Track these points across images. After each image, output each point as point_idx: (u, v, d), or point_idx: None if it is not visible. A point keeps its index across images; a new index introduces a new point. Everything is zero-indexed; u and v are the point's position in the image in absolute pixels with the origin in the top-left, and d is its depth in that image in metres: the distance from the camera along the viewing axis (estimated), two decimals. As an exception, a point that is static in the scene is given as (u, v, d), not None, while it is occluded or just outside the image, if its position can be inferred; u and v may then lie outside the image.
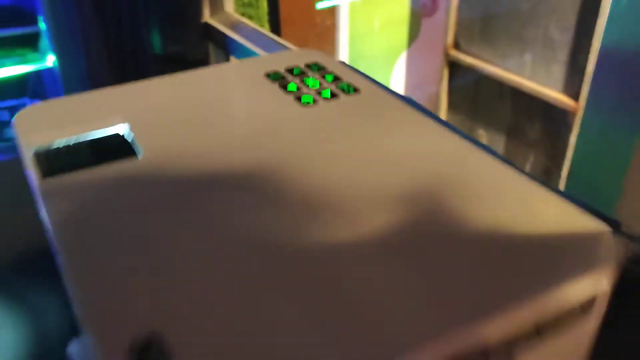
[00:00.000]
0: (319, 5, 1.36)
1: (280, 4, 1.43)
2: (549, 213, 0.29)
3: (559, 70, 1.47)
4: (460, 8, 1.57)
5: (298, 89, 0.40)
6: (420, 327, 0.23)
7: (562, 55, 1.46)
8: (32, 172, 0.32)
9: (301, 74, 0.42)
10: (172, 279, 0.25)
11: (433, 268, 0.26)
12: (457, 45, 1.58)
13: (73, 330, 0.37)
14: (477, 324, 0.23)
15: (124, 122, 0.36)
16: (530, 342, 0.26)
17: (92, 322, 0.23)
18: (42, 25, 1.10)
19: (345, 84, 0.41)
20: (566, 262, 0.26)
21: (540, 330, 0.26)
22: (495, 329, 0.24)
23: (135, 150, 0.34)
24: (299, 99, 0.39)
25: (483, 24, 1.56)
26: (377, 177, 0.31)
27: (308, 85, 0.40)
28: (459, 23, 1.60)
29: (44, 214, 0.30)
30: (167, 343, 0.22)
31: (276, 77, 0.42)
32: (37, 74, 1.22)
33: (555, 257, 0.27)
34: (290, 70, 0.43)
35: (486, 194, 0.30)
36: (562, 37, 1.44)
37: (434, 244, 0.27)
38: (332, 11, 1.40)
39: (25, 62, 1.13)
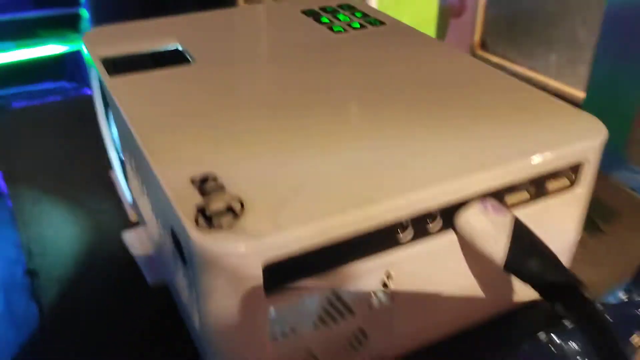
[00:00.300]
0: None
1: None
2: (551, 107, 0.34)
3: (584, 71, 1.50)
4: (487, 8, 1.61)
5: (330, 21, 0.45)
6: (445, 170, 0.28)
7: (588, 55, 1.49)
8: (101, 74, 0.38)
9: (333, 11, 0.47)
10: (222, 135, 0.31)
11: (454, 130, 0.31)
12: (483, 45, 1.62)
13: (125, 225, 0.42)
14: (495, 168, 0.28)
15: (177, 41, 0.42)
16: (529, 198, 0.30)
17: (160, 170, 0.28)
18: (82, 7, 1.15)
19: (373, 19, 0.46)
20: (561, 134, 0.31)
21: (538, 185, 0.30)
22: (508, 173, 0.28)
23: (189, 58, 0.39)
24: (331, 28, 0.44)
25: (510, 23, 1.60)
26: (394, 80, 0.36)
27: (339, 19, 0.46)
28: (486, 23, 1.64)
29: (112, 102, 0.35)
30: (220, 178, 0.27)
31: (311, 13, 0.47)
32: (75, 58, 1.27)
33: (553, 130, 0.31)
34: (323, 8, 0.48)
35: (498, 94, 0.35)
36: (588, 38, 1.47)
37: (456, 115, 0.32)
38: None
39: (65, 42, 1.19)
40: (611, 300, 0.36)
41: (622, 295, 0.37)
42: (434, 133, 0.31)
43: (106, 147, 0.45)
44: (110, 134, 0.43)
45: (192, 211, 0.25)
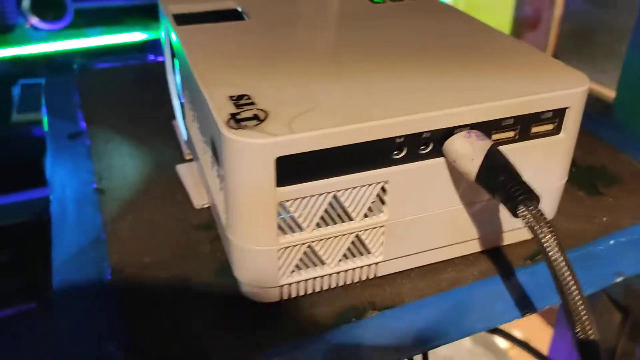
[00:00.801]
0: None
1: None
2: (544, 62, 0.39)
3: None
4: (562, 21, 1.63)
5: (371, -5, 0.51)
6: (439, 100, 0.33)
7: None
8: (171, 24, 0.45)
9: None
10: (261, 68, 0.37)
11: (453, 75, 0.36)
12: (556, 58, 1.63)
13: (180, 161, 0.50)
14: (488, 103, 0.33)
15: (237, 3, 0.49)
16: (514, 137, 0.35)
17: (207, 89, 0.35)
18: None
19: (409, -5, 0.52)
20: (547, 81, 0.35)
21: (524, 127, 0.35)
22: (496, 110, 0.33)
23: (245, 16, 0.46)
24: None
25: (583, 37, 1.61)
26: (413, 41, 0.42)
27: (379, -5, 0.51)
28: (560, 36, 1.66)
29: (177, 48, 0.43)
30: (253, 97, 0.33)
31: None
32: (155, 45, 1.36)
33: (540, 78, 0.36)
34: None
35: (501, 51, 0.40)
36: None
37: (459, 66, 0.38)
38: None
39: (147, 30, 1.28)
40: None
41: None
42: (435, 76, 0.36)
43: (171, 98, 0.52)
44: (174, 82, 0.51)
45: (226, 117, 0.32)
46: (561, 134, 0.36)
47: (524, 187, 0.30)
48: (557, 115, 0.36)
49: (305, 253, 0.35)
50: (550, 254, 0.28)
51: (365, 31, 0.44)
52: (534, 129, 0.36)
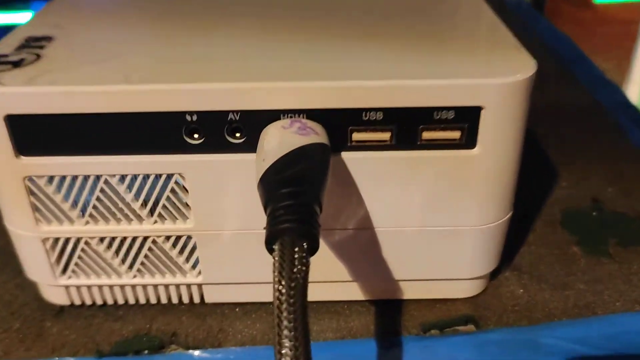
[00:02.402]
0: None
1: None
2: (496, 37, 0.25)
3: None
4: None
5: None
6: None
7: None
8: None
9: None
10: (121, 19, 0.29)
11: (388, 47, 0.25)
12: None
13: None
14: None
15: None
16: (389, 142, 0.23)
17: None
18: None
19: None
20: (475, 67, 0.23)
21: (405, 129, 0.23)
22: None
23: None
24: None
25: None
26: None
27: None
28: None
29: None
30: (55, 39, 0.26)
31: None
32: None
33: (469, 61, 0.23)
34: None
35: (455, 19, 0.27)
36: None
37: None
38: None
39: None
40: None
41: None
42: (311, 44, 0.25)
43: None
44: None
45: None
46: (475, 149, 0.23)
47: (302, 214, 0.19)
48: (465, 119, 0.23)
49: (84, 251, 0.26)
50: (279, 317, 0.17)
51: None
52: (427, 135, 0.23)
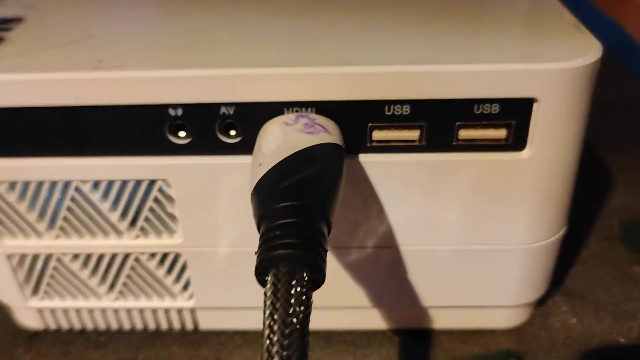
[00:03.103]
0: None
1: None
2: (551, 14, 0.21)
3: None
4: None
5: None
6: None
7: None
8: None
9: None
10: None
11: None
12: None
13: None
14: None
15: None
16: (417, 142, 0.19)
17: None
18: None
19: None
20: (527, 49, 0.18)
21: (439, 120, 0.18)
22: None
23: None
24: None
25: None
26: None
27: None
28: None
29: None
30: (26, 21, 0.22)
31: None
32: None
33: (519, 42, 0.19)
34: None
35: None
36: None
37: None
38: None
39: None
40: None
41: None
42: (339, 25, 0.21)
43: None
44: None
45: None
46: (525, 151, 0.19)
47: (303, 237, 0.14)
48: (513, 114, 0.18)
49: (56, 269, 0.22)
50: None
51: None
52: (464, 133, 0.19)
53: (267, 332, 0.13)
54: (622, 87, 0.41)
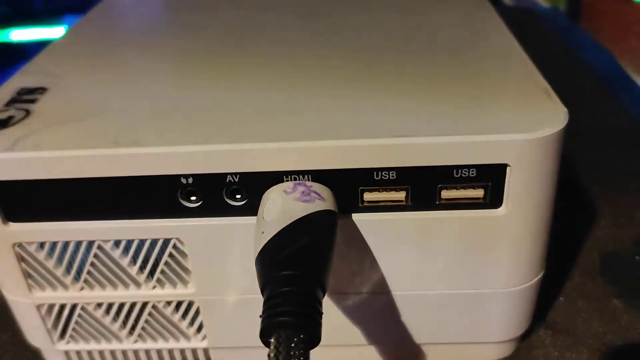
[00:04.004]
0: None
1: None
2: (522, 79, 0.23)
3: None
4: None
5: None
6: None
7: None
8: None
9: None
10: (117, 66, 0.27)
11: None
12: None
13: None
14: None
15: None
16: (403, 202, 0.21)
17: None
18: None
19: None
20: (499, 120, 0.20)
21: (422, 183, 0.20)
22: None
23: None
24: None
25: None
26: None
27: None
28: None
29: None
30: (49, 90, 0.24)
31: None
32: None
33: (492, 113, 0.21)
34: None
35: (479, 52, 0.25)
36: None
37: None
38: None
39: None
40: None
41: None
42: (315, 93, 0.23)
43: None
44: None
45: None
46: (501, 209, 0.21)
47: (300, 305, 0.17)
48: (489, 176, 0.20)
49: (81, 317, 0.25)
50: None
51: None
52: (446, 194, 0.21)
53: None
54: (612, 118, 0.42)
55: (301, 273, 0.17)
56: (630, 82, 0.47)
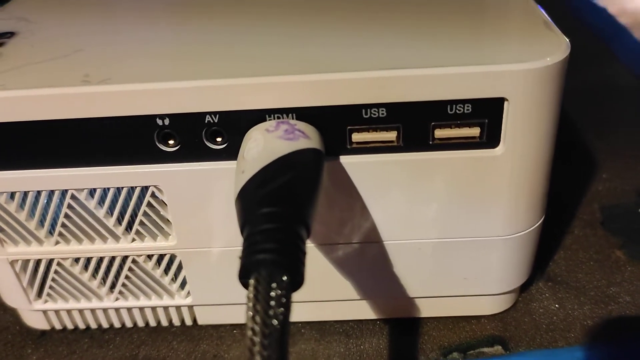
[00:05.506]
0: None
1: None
2: (520, 11, 0.22)
3: None
4: None
5: None
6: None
7: None
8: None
9: None
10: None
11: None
12: None
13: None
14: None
15: None
16: (394, 142, 0.20)
17: None
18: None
19: None
20: (496, 50, 0.19)
21: (414, 121, 0.19)
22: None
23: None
24: None
25: None
26: None
27: None
28: None
29: None
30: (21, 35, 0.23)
31: None
32: None
33: (489, 43, 0.19)
34: None
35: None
36: None
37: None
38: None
39: None
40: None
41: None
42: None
43: None
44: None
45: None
46: (498, 148, 0.20)
47: (282, 242, 0.15)
48: (485, 113, 0.19)
49: (58, 273, 0.23)
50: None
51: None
52: (440, 133, 0.19)
53: (249, 333, 0.14)
54: (610, 74, 0.41)
55: (283, 210, 0.16)
56: (630, 39, 0.46)
